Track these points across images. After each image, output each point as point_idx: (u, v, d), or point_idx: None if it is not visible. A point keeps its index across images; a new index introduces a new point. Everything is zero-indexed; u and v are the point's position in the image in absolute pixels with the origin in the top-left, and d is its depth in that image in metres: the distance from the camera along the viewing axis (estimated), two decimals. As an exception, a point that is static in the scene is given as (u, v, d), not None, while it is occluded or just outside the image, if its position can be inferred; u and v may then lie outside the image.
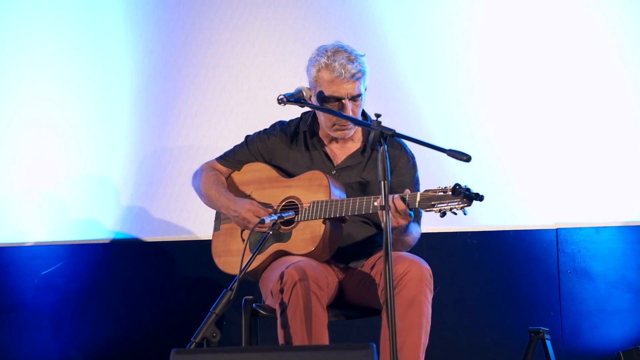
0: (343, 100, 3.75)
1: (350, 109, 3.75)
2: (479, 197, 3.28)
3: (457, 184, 3.30)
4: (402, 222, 3.50)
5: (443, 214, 3.38)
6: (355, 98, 3.76)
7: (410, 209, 3.49)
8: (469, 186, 3.30)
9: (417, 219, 3.82)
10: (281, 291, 3.56)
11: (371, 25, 5.12)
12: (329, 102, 3.76)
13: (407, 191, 3.50)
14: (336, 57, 3.73)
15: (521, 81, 5.08)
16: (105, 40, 5.23)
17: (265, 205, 3.83)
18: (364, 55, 3.79)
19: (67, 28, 5.23)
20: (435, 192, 3.42)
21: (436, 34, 5.13)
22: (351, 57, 3.74)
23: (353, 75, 3.72)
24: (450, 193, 3.35)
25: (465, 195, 3.30)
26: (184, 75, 5.18)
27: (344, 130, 3.82)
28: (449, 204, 3.36)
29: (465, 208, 3.34)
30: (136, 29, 5.21)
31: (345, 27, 5.11)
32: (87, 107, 5.22)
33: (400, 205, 3.46)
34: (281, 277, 3.57)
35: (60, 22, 5.24)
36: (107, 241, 5.16)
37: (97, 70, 5.23)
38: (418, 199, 3.44)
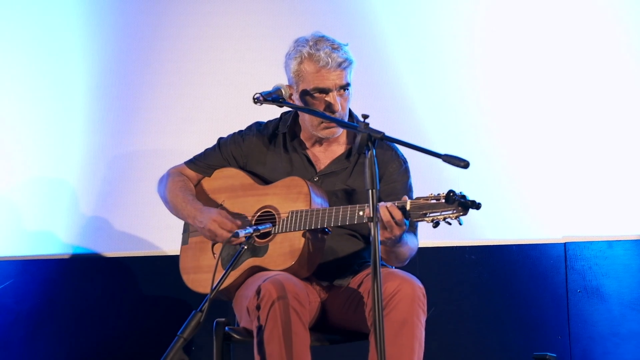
0: (330, 94, 3.76)
1: (338, 102, 3.76)
2: (476, 205, 3.29)
3: (451, 191, 3.30)
4: (397, 232, 3.50)
5: (436, 224, 3.38)
6: (343, 88, 3.77)
7: (408, 218, 3.48)
8: (464, 193, 3.31)
9: (413, 229, 3.81)
10: (257, 308, 3.55)
11: (359, 15, 5.13)
12: (314, 98, 3.77)
13: (405, 197, 3.49)
14: (319, 46, 3.75)
15: (528, 80, 5.11)
16: (56, 30, 5.20)
17: (239, 216, 3.83)
18: (347, 45, 3.80)
19: (12, 18, 5.21)
20: (427, 199, 3.42)
21: (434, 22, 5.15)
22: (335, 45, 3.76)
23: (340, 64, 3.74)
24: (443, 201, 3.35)
25: (460, 203, 3.30)
26: (148, 71, 5.18)
27: (332, 128, 3.83)
28: (442, 213, 3.36)
29: (461, 217, 3.34)
30: (92, 19, 5.20)
31: (331, 17, 5.11)
32: (39, 107, 5.20)
33: (398, 215, 3.46)
34: (257, 292, 3.56)
35: (5, 12, 5.22)
36: (63, 256, 5.14)
37: (48, 66, 5.20)
38: (408, 207, 3.44)
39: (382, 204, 3.48)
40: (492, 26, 5.12)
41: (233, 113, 5.07)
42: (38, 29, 5.21)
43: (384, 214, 3.46)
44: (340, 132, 3.87)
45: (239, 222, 3.77)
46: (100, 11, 5.20)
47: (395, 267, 3.86)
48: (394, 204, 3.48)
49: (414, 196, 3.84)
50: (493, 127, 5.10)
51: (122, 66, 5.19)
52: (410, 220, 3.47)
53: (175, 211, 3.96)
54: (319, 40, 3.77)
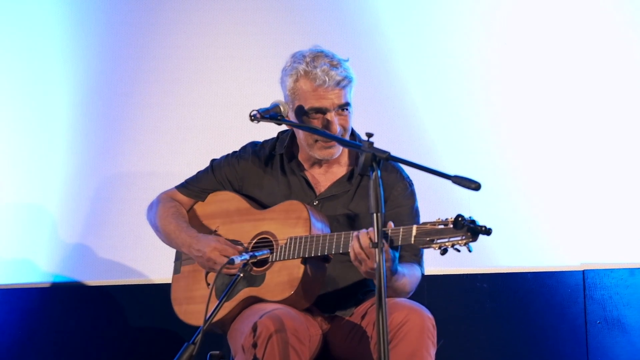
0: (328, 114, 3.74)
1: (337, 123, 3.75)
2: (486, 231, 3.27)
3: (459, 215, 3.29)
4: (370, 266, 3.46)
5: (444, 251, 3.36)
6: (342, 108, 3.76)
7: (397, 247, 3.46)
8: (474, 217, 3.29)
9: (417, 259, 3.80)
10: (254, 346, 3.53)
11: (364, 27, 5.14)
12: (310, 117, 3.76)
13: (390, 224, 3.48)
14: (316, 62, 3.74)
15: (544, 99, 5.13)
16: (37, 44, 5.21)
17: (235, 243, 3.82)
18: (347, 61, 3.79)
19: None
20: (434, 225, 3.40)
21: (444, 35, 5.16)
22: (334, 62, 3.75)
23: (338, 83, 3.73)
24: (451, 226, 3.33)
25: (469, 229, 3.28)
26: (135, 86, 5.18)
27: (330, 148, 3.82)
28: (451, 239, 3.34)
29: (470, 244, 3.32)
30: (76, 33, 5.21)
31: (335, 30, 5.12)
32: (16, 125, 5.20)
33: (366, 242, 3.44)
34: (254, 328, 3.55)
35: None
36: (44, 285, 5.13)
37: (26, 82, 5.21)
38: (414, 233, 3.42)
39: (355, 233, 3.49)
40: (506, 42, 5.14)
41: (228, 131, 5.07)
42: (17, 43, 5.22)
43: (354, 245, 3.47)
44: (339, 154, 3.86)
45: (240, 249, 3.76)
46: (84, 24, 5.21)
47: (402, 297, 3.86)
48: (367, 231, 3.46)
49: (420, 220, 3.87)
50: (506, 146, 5.11)
51: (107, 82, 5.20)
52: (415, 248, 3.46)
53: (168, 240, 3.95)
54: (317, 56, 3.76)
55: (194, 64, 5.17)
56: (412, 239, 3.42)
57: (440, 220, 3.40)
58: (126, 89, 5.19)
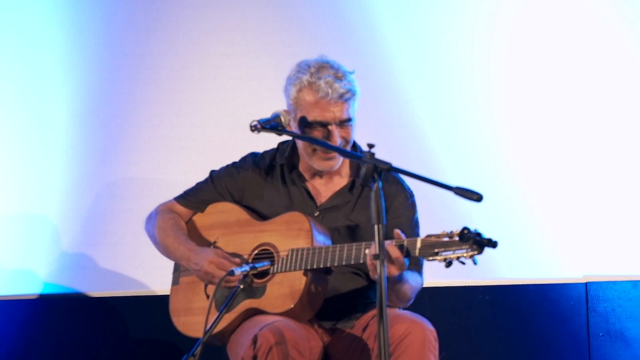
0: (329, 126, 3.74)
1: (337, 136, 3.74)
2: (492, 244, 3.27)
3: (465, 228, 3.29)
4: (395, 272, 3.48)
5: (449, 264, 3.36)
6: (344, 123, 3.75)
7: (407, 257, 3.46)
8: (479, 230, 3.29)
9: (418, 268, 3.80)
10: (254, 358, 3.53)
11: (368, 39, 5.14)
12: (312, 128, 3.75)
13: (397, 231, 3.48)
14: (321, 74, 3.72)
15: (547, 111, 5.12)
16: (35, 53, 5.20)
17: (235, 255, 3.81)
18: (353, 73, 3.78)
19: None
20: (439, 237, 3.39)
21: (448, 43, 5.16)
22: (338, 74, 3.74)
23: (341, 96, 3.72)
24: (457, 238, 3.32)
25: (475, 241, 3.28)
26: (134, 96, 5.18)
27: (329, 160, 3.81)
28: (456, 252, 3.33)
29: (476, 256, 3.31)
30: (74, 40, 5.19)
31: (338, 42, 5.13)
32: (16, 135, 5.18)
33: (396, 253, 3.44)
34: (254, 341, 3.54)
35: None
36: (44, 296, 5.11)
37: (25, 91, 5.20)
38: (418, 245, 3.42)
39: (368, 250, 3.48)
40: (510, 52, 5.14)
41: (227, 141, 5.07)
42: (14, 49, 5.21)
43: (369, 263, 3.45)
44: (338, 166, 3.85)
45: (238, 261, 3.75)
46: (83, 32, 5.20)
47: (403, 309, 3.84)
48: (394, 243, 3.46)
49: (420, 231, 3.87)
50: (508, 157, 5.10)
51: (107, 91, 5.18)
52: (416, 257, 3.46)
53: (167, 252, 3.94)
54: (322, 67, 3.75)
55: (194, 73, 5.16)
56: (417, 250, 3.42)
57: (445, 232, 3.39)
58: (124, 98, 5.18)
